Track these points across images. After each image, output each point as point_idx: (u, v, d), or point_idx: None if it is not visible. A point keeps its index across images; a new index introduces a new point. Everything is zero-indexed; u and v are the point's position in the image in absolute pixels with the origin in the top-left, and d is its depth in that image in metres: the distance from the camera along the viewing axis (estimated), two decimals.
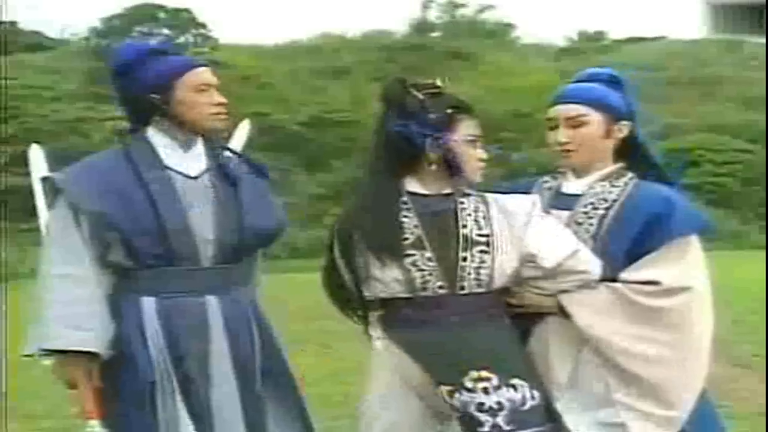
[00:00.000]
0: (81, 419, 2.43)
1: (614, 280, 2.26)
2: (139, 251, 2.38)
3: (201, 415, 2.35)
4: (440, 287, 2.17)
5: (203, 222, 2.42)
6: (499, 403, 2.11)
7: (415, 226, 2.19)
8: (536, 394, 2.16)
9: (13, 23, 30.25)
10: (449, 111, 2.21)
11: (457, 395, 2.12)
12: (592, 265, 2.24)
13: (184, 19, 33.93)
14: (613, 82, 2.43)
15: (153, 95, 2.43)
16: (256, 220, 2.50)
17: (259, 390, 2.45)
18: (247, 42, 30.53)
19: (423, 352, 2.17)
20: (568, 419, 2.22)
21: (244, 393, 2.41)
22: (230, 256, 2.47)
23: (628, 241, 2.28)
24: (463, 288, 2.17)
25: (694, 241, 2.32)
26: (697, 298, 2.28)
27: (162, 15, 33.90)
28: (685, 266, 2.27)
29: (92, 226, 2.37)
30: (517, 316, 2.29)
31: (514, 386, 2.13)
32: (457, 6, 38.13)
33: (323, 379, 5.63)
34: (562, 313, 2.26)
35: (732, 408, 4.59)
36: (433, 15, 38.20)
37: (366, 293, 2.23)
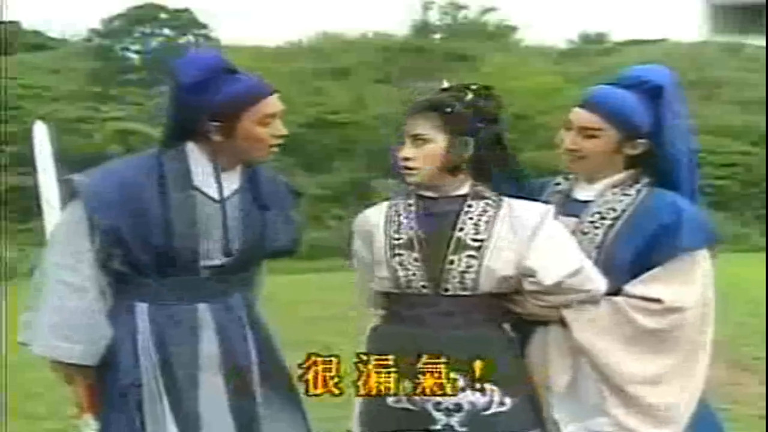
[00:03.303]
0: (80, 420, 2.44)
1: (618, 291, 2.24)
2: (142, 265, 2.36)
3: (189, 420, 2.33)
4: (423, 287, 2.19)
5: (215, 247, 2.38)
6: (457, 404, 2.13)
7: (411, 228, 2.23)
8: (509, 400, 2.15)
9: (14, 23, 30.23)
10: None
11: (419, 390, 2.14)
12: (596, 283, 2.21)
13: (185, 20, 33.92)
14: (653, 93, 2.31)
15: (213, 123, 2.30)
16: (277, 240, 2.49)
17: (253, 394, 2.41)
18: (248, 43, 30.48)
19: (396, 347, 2.20)
20: (564, 426, 2.22)
21: (235, 399, 2.38)
22: (233, 272, 2.44)
23: (635, 252, 2.24)
24: (446, 290, 2.19)
25: (702, 256, 2.27)
26: (698, 316, 2.25)
27: (163, 15, 33.88)
28: (689, 284, 2.24)
29: (104, 237, 2.33)
30: (518, 321, 2.28)
31: (482, 390, 2.14)
32: (458, 8, 38.12)
33: None
34: (563, 323, 2.25)
35: (732, 411, 4.60)
36: (435, 17, 38.21)
37: (372, 286, 2.32)
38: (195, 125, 2.34)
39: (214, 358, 2.37)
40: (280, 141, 2.39)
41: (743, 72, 28.59)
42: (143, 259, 2.35)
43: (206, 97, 2.28)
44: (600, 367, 2.21)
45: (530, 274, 2.19)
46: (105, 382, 2.37)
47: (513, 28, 38.51)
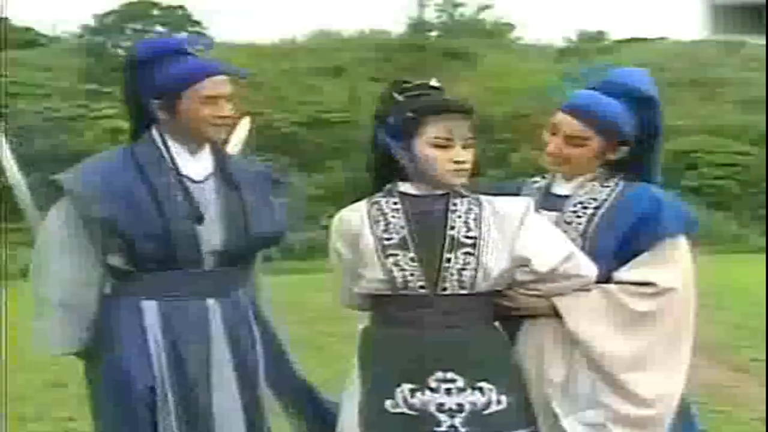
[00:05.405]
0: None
1: (607, 279, 2.28)
2: (144, 256, 2.34)
3: (202, 419, 2.33)
4: (421, 287, 2.17)
5: (209, 227, 2.38)
6: (459, 404, 2.14)
7: (401, 227, 2.20)
8: (505, 399, 2.17)
9: (5, 19, 30.13)
10: (410, 114, 2.18)
11: (418, 394, 2.14)
12: (588, 269, 2.24)
13: (178, 17, 33.80)
14: (642, 103, 2.34)
15: (156, 101, 2.35)
16: (261, 225, 2.46)
17: (260, 392, 2.43)
18: (242, 41, 30.45)
19: (394, 350, 2.19)
20: (561, 418, 2.24)
21: (245, 396, 2.39)
22: (233, 260, 2.44)
23: (617, 240, 2.30)
24: (445, 289, 2.18)
25: (682, 241, 2.33)
26: (683, 299, 2.30)
27: (156, 12, 33.77)
28: (674, 267, 2.30)
29: (100, 231, 2.33)
30: (505, 317, 2.29)
31: (480, 389, 2.16)
32: (455, 5, 38.14)
33: (318, 381, 5.60)
34: (556, 314, 2.26)
35: (732, 413, 4.60)
36: (431, 14, 38.21)
37: (355, 289, 2.27)
38: (145, 106, 2.38)
39: (225, 355, 2.37)
40: (225, 122, 2.42)
41: (743, 71, 28.58)
42: (145, 249, 2.32)
43: (152, 76, 2.35)
44: (592, 355, 2.24)
45: (524, 263, 2.20)
46: (111, 385, 2.34)
47: (510, 26, 38.57)
